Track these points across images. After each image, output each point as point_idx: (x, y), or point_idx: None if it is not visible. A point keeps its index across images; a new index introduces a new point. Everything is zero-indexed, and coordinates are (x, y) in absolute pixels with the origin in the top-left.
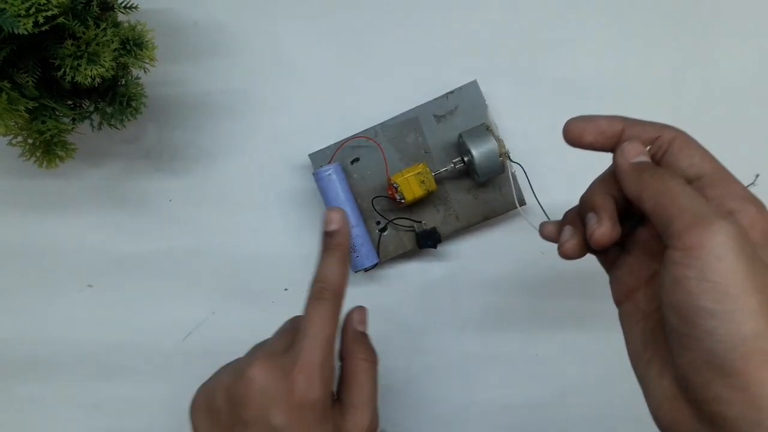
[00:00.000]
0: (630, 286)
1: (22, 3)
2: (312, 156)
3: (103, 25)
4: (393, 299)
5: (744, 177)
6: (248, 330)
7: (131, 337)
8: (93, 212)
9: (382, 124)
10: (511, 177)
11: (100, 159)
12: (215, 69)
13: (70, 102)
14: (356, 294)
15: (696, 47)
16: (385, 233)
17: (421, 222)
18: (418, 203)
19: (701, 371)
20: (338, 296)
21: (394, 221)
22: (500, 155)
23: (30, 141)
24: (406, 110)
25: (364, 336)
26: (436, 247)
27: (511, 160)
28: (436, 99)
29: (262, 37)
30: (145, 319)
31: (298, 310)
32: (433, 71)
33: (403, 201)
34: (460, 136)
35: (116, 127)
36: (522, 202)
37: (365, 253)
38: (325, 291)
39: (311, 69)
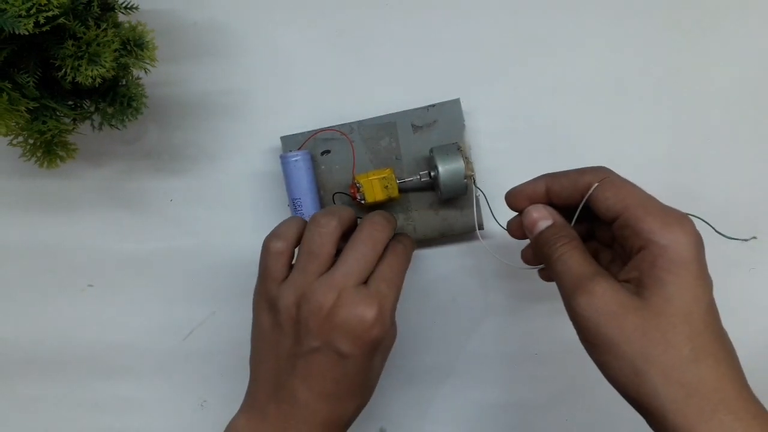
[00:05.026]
0: None
1: (23, 3)
2: (284, 139)
3: (104, 26)
4: None
5: (746, 177)
6: (248, 330)
7: (131, 337)
8: (93, 212)
9: (359, 122)
10: (474, 200)
11: (100, 159)
12: (215, 69)
13: (70, 102)
14: None
15: (695, 48)
16: None
17: None
18: (379, 207)
19: (630, 402)
20: (410, 251)
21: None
22: (465, 177)
23: (31, 141)
24: (386, 113)
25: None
26: None
27: (476, 185)
28: (416, 109)
29: (262, 38)
30: (145, 319)
31: None
32: (428, 80)
33: (363, 201)
34: (431, 150)
35: (117, 128)
36: (480, 227)
37: None
38: (404, 242)
39: (310, 69)
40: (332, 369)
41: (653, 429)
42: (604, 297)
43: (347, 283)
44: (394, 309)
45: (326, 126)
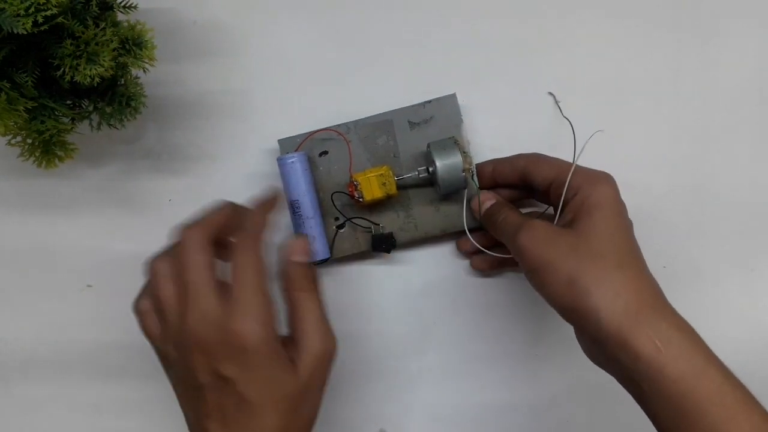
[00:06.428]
0: None
1: (22, 3)
2: (281, 142)
3: (103, 25)
4: (385, 296)
5: (748, 176)
6: None
7: (131, 337)
8: (93, 212)
9: (355, 121)
10: (467, 194)
11: (99, 159)
12: (215, 69)
13: (69, 102)
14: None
15: (695, 48)
16: (342, 230)
17: (379, 225)
18: (379, 205)
19: (571, 321)
20: (259, 240)
21: (353, 220)
22: (463, 170)
23: (29, 141)
24: (382, 112)
25: (298, 266)
26: (389, 252)
27: (474, 179)
28: (412, 106)
29: (262, 37)
30: None
31: None
32: (428, 79)
33: (361, 199)
34: (428, 145)
35: (116, 127)
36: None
37: (318, 248)
38: (251, 221)
39: (310, 69)
40: (227, 397)
41: (587, 333)
42: (542, 228)
43: (205, 308)
44: (263, 310)
45: (324, 126)
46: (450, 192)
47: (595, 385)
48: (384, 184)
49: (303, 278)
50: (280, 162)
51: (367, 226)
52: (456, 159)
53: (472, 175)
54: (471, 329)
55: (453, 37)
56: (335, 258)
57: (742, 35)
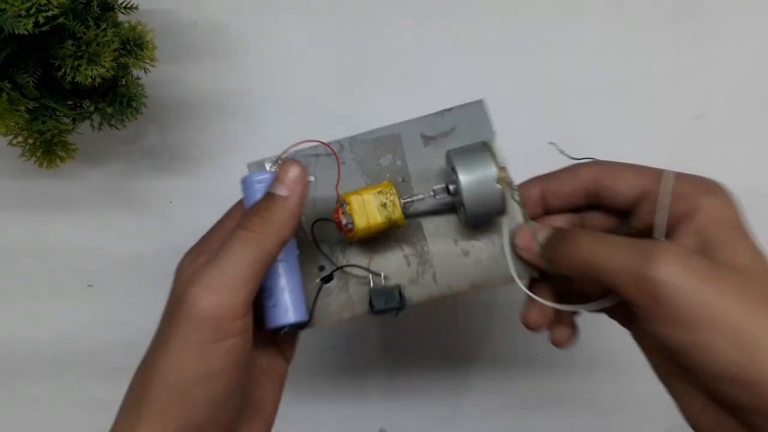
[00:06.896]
0: (629, 315)
1: (23, 3)
2: (251, 165)
3: (104, 26)
4: None
5: (742, 176)
6: None
7: (131, 337)
8: (93, 212)
9: (351, 138)
10: (507, 223)
11: (100, 159)
12: (215, 69)
13: (70, 102)
14: None
15: (695, 48)
16: (329, 285)
17: (380, 275)
18: (379, 244)
19: (724, 394)
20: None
21: (344, 268)
22: (498, 181)
23: (30, 141)
24: (384, 114)
25: (261, 200)
26: (396, 315)
27: (516, 199)
28: (427, 116)
29: (262, 38)
30: (145, 319)
31: None
32: (431, 76)
33: (351, 227)
34: (447, 153)
35: (117, 128)
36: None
37: (288, 305)
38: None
39: (311, 69)
40: None
41: (752, 409)
42: (687, 258)
43: None
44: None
45: (314, 138)
46: (480, 218)
47: (595, 386)
48: (384, 205)
49: (250, 213)
50: (245, 183)
51: (363, 276)
52: (488, 169)
53: (513, 192)
54: (470, 329)
55: (455, 37)
56: (318, 324)
57: (742, 35)
